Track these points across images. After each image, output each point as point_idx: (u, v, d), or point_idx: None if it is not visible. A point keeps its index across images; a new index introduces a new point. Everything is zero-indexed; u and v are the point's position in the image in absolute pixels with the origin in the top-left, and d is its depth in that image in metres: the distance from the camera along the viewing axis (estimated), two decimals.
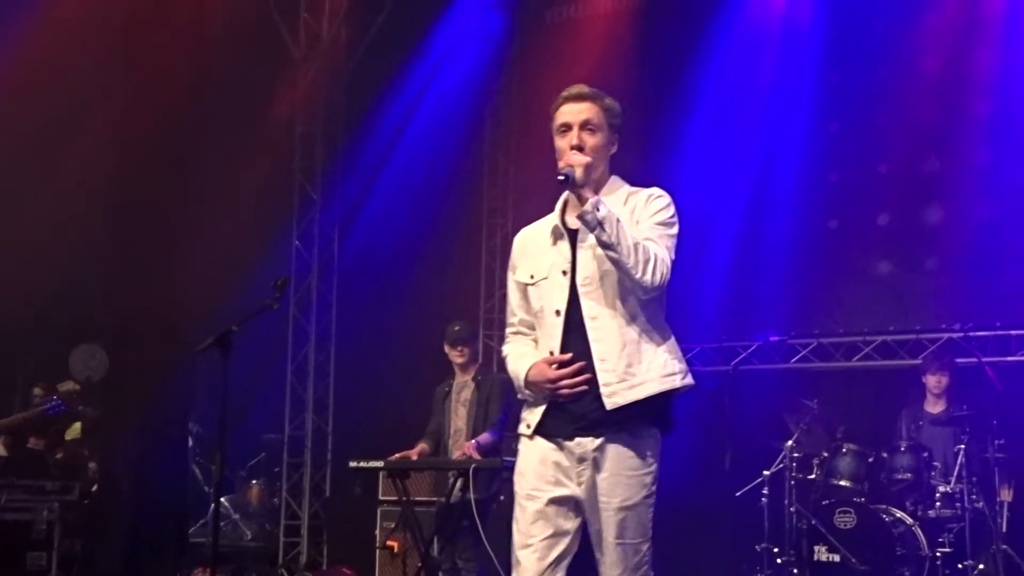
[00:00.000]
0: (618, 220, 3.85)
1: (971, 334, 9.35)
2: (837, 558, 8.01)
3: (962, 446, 8.04)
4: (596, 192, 3.97)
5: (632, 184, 4.13)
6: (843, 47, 10.07)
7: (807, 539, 8.19)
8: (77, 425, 8.08)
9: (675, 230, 4.02)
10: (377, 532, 8.52)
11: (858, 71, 10.05)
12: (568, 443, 3.95)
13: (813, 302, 10.13)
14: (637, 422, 3.93)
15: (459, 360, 7.74)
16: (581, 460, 3.93)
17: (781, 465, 8.48)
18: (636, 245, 3.84)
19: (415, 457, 7.51)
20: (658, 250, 3.90)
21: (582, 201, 3.87)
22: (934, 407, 8.66)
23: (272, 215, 11.27)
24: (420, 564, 7.26)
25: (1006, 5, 9.53)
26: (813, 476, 8.43)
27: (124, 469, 8.31)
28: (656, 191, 4.07)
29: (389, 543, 8.20)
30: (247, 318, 6.03)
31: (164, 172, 8.48)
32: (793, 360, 10.14)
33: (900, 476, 8.23)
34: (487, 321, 11.58)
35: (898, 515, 8.08)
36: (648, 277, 3.85)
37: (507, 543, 7.49)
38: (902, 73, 9.85)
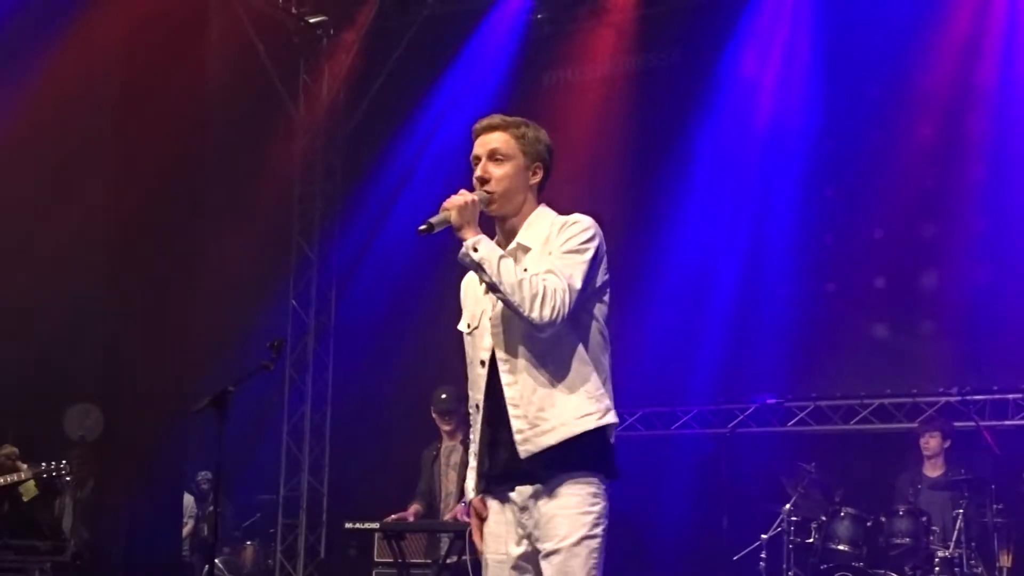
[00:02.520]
0: (501, 258, 3.65)
1: (968, 398, 9.33)
2: None
3: (961, 510, 7.99)
4: (516, 224, 3.85)
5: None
6: (838, 112, 10.14)
7: None
8: (31, 484, 8.03)
9: (588, 255, 3.73)
10: None
11: (853, 136, 10.11)
12: (511, 495, 3.78)
13: (810, 365, 10.11)
14: (561, 467, 3.68)
15: (446, 428, 7.79)
16: (523, 510, 3.76)
17: (779, 529, 8.43)
18: (521, 282, 3.60)
19: (411, 519, 7.48)
20: (554, 282, 3.62)
21: (463, 242, 3.69)
22: (932, 471, 8.62)
23: (269, 275, 11.30)
24: None
25: (1000, 70, 9.61)
26: (811, 540, 8.37)
27: (117, 530, 8.25)
28: (574, 217, 3.81)
29: None
30: (243, 378, 6.03)
31: (161, 231, 8.50)
32: (790, 423, 10.11)
33: (899, 540, 8.17)
34: None
35: None
36: (536, 313, 3.59)
37: None
38: (897, 138, 9.91)
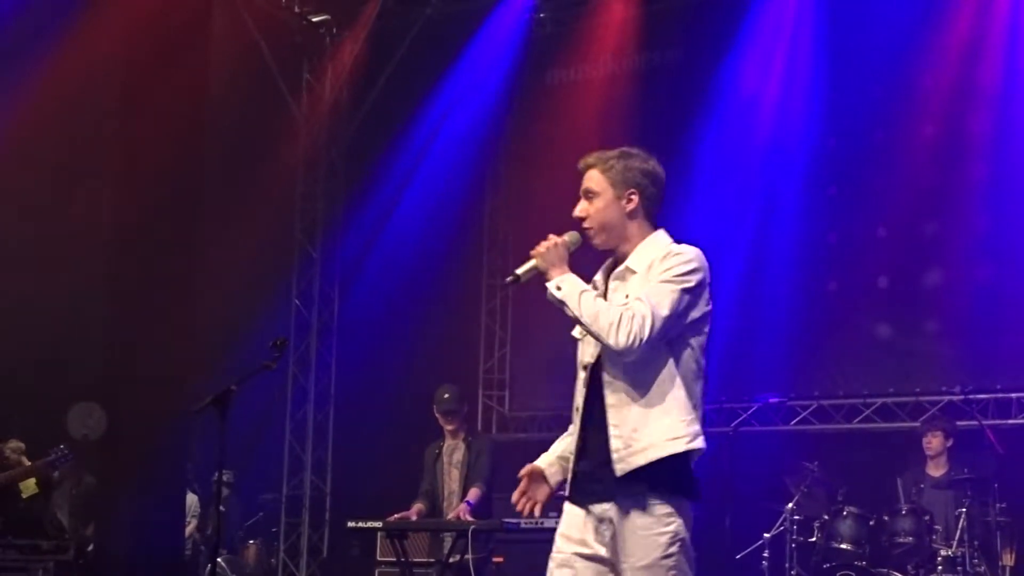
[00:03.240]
0: (582, 292, 3.88)
1: (971, 396, 9.33)
2: None
3: (963, 509, 7.99)
4: (628, 250, 4.02)
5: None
6: (841, 111, 10.14)
7: None
8: (31, 482, 8.04)
9: (683, 286, 3.85)
10: None
11: (856, 136, 10.11)
12: (592, 507, 3.96)
13: (813, 364, 10.12)
14: (646, 485, 3.86)
15: (449, 427, 7.81)
16: (601, 521, 3.93)
17: (782, 528, 8.43)
18: (598, 313, 3.82)
19: (414, 518, 7.48)
20: (637, 308, 3.80)
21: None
22: (935, 470, 8.62)
23: (272, 274, 11.31)
24: None
25: (1002, 70, 9.61)
26: (814, 539, 8.37)
27: (120, 529, 8.25)
28: (679, 248, 3.97)
29: None
30: (246, 377, 6.02)
31: (164, 230, 8.49)
32: (793, 422, 10.11)
33: (901, 539, 8.17)
34: (487, 382, 11.55)
35: None
36: (613, 339, 3.78)
37: None
38: (900, 137, 9.91)
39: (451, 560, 7.14)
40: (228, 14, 10.21)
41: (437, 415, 7.82)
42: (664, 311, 3.81)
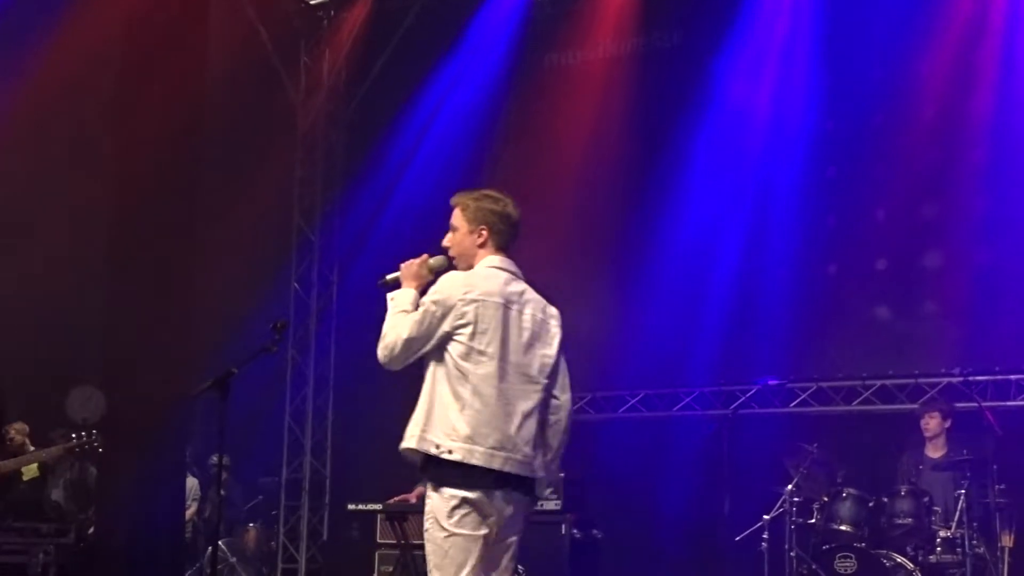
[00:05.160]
0: (398, 309, 4.66)
1: (971, 378, 9.32)
2: None
3: (963, 491, 8.00)
4: None
5: None
6: (840, 94, 10.12)
7: None
8: (34, 466, 8.04)
9: (421, 309, 4.61)
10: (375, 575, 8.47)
11: (855, 118, 10.09)
12: None
13: (812, 346, 10.12)
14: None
15: None
16: None
17: (781, 510, 8.44)
18: (384, 329, 4.64)
19: (414, 500, 7.50)
20: (391, 332, 4.60)
21: None
22: (934, 452, 8.63)
23: (271, 258, 11.31)
24: None
25: (1001, 52, 9.58)
26: (813, 521, 8.38)
27: (120, 513, 8.26)
28: (444, 277, 4.73)
29: None
30: (246, 361, 6.03)
31: (163, 215, 8.49)
32: (792, 404, 10.11)
33: (901, 521, 8.18)
34: None
35: (899, 560, 8.03)
36: (378, 352, 4.64)
37: None
38: (899, 119, 9.89)
39: None
40: None
41: None
42: (407, 332, 4.57)
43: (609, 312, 10.78)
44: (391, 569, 8.11)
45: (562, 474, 9.24)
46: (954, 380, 9.44)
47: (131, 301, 8.36)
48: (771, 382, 9.72)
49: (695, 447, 9.87)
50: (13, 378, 9.00)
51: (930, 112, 9.74)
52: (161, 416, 8.18)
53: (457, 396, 4.51)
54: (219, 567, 10.54)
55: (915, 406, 9.16)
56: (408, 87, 11.45)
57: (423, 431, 4.52)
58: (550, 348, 4.69)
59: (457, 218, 4.83)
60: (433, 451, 4.48)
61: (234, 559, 11.42)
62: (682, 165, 10.53)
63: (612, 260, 10.97)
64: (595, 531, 9.03)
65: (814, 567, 8.11)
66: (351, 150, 11.98)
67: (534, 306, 4.71)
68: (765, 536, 8.42)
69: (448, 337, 4.56)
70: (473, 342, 4.54)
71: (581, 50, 11.31)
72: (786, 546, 8.33)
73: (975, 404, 8.81)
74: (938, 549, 8.04)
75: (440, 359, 4.57)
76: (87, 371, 8.69)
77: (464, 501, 4.44)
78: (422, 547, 7.51)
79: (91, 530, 8.29)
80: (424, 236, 11.10)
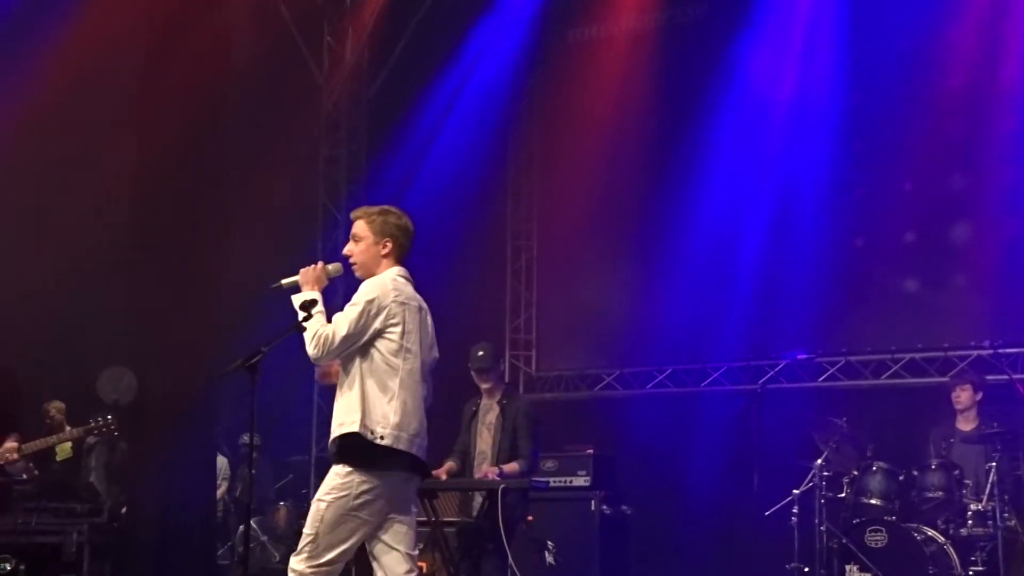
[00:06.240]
0: (310, 311, 5.09)
1: (1000, 351, 9.29)
2: None
3: (993, 464, 7.96)
4: None
5: None
6: (866, 66, 10.05)
7: (838, 558, 8.13)
8: (67, 446, 8.08)
9: (357, 308, 5.06)
10: None
11: (882, 89, 10.02)
12: None
13: (841, 320, 10.08)
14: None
15: (484, 386, 7.77)
16: None
17: (811, 484, 8.41)
18: (310, 328, 5.07)
19: (443, 477, 7.50)
20: (324, 329, 5.03)
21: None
22: (965, 424, 8.58)
23: (297, 236, 11.31)
24: None
25: None
26: (843, 495, 8.36)
27: (152, 493, 8.31)
28: (369, 282, 5.17)
29: (418, 564, 8.15)
30: (275, 339, 6.01)
31: (188, 195, 8.51)
32: (821, 378, 10.09)
33: (931, 494, 8.16)
34: (513, 342, 11.56)
35: (930, 533, 8.01)
36: (309, 350, 5.09)
37: (533, 563, 7.46)
38: (926, 91, 9.82)
39: (479, 520, 7.17)
40: None
41: (472, 373, 7.80)
42: (344, 330, 5.02)
43: (636, 287, 10.77)
44: (421, 546, 8.11)
45: (591, 451, 9.26)
46: (984, 353, 9.40)
47: (160, 281, 8.39)
48: (800, 356, 9.68)
49: (723, 422, 9.85)
50: (45, 359, 9.07)
51: (958, 83, 9.66)
52: (191, 396, 8.23)
53: (385, 388, 5.06)
54: (251, 546, 10.61)
55: (945, 379, 9.12)
56: (431, 65, 11.42)
57: (363, 418, 5.01)
58: (435, 350, 5.37)
59: (362, 229, 5.28)
60: (369, 436, 4.99)
61: (265, 537, 11.50)
62: (708, 139, 10.48)
63: (638, 235, 10.95)
64: (624, 507, 9.03)
65: (844, 541, 8.10)
66: (375, 128, 11.97)
67: (429, 314, 5.33)
68: (795, 511, 8.40)
69: (378, 334, 5.08)
70: (403, 340, 5.10)
71: (604, 25, 11.26)
72: (816, 520, 8.31)
73: (1006, 376, 8.76)
74: (969, 522, 8.01)
75: (366, 355, 5.08)
76: (118, 352, 8.73)
77: (374, 489, 4.98)
78: (452, 524, 7.59)
79: (124, 510, 8.34)
80: (450, 213, 11.18)
